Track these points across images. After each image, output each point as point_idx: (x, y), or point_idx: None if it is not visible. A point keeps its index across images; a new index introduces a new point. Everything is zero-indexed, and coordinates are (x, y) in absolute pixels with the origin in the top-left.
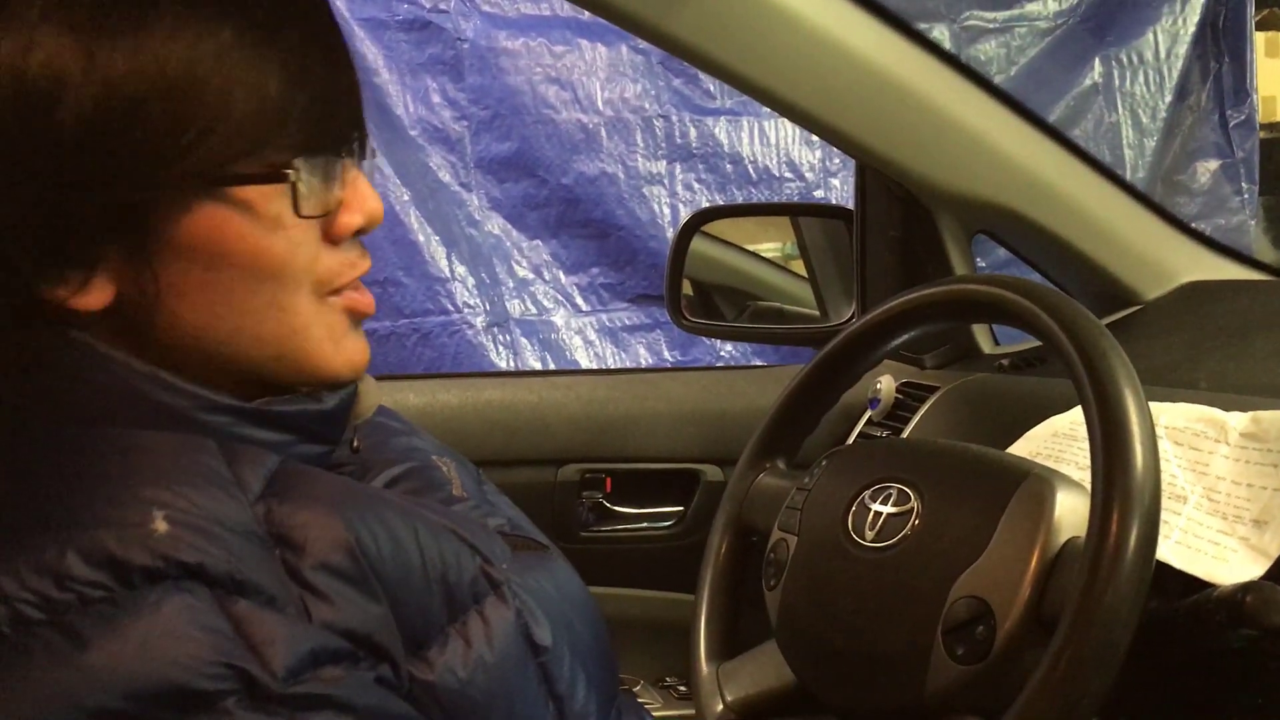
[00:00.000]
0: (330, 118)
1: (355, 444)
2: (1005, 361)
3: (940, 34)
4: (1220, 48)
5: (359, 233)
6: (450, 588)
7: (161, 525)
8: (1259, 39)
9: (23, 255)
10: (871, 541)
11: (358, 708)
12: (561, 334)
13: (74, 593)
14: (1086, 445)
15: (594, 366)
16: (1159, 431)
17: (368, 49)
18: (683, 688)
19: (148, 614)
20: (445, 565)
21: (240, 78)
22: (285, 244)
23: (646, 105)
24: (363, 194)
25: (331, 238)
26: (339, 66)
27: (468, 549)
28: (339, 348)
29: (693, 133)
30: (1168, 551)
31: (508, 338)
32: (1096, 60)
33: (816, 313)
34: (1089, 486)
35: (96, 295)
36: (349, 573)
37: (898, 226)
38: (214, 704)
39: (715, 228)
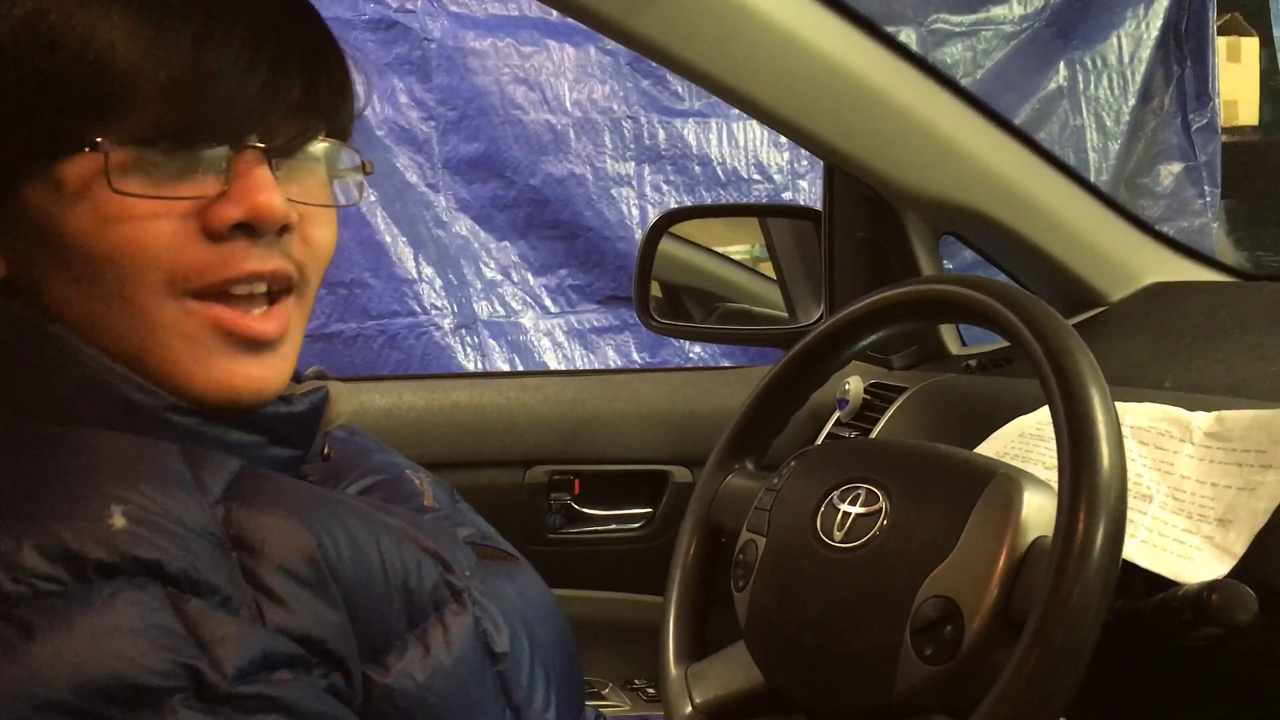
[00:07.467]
0: (202, 101)
1: (326, 451)
2: (973, 362)
3: (907, 37)
4: (1183, 52)
5: (248, 231)
6: (411, 594)
7: (120, 521)
8: (1220, 44)
9: None
10: (840, 542)
11: (305, 713)
12: (530, 336)
13: (28, 585)
14: (1053, 445)
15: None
16: (1125, 431)
17: None
18: (651, 690)
19: (99, 609)
20: (406, 572)
21: (75, 49)
22: (128, 230)
23: (615, 106)
24: (250, 187)
25: (209, 231)
26: (223, 50)
27: (429, 557)
28: (203, 365)
29: (661, 134)
30: (1134, 550)
31: (476, 339)
32: (1061, 64)
33: (785, 314)
34: (1056, 486)
35: None
36: (307, 577)
37: (865, 227)
38: (161, 702)
39: (684, 229)
